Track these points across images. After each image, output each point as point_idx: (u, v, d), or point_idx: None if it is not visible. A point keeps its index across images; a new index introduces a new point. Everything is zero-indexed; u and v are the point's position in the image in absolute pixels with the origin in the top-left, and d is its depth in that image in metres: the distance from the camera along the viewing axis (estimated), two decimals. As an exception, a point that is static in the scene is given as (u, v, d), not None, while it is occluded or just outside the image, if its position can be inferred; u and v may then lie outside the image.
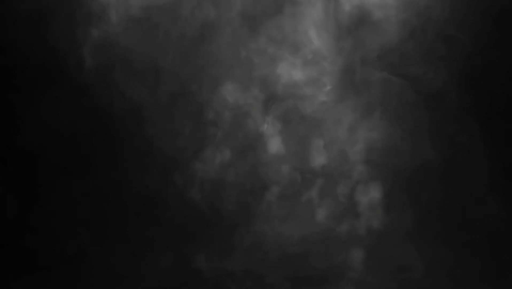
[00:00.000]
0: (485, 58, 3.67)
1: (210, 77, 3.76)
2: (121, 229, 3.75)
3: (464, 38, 3.66)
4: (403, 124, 3.68)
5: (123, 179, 3.76)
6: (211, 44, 3.76)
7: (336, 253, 3.66)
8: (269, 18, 3.74)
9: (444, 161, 3.66)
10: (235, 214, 3.72)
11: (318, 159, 3.72)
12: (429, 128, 3.68)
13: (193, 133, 3.76)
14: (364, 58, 3.70)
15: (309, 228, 3.68)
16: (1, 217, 3.75)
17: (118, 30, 3.77)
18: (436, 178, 3.66)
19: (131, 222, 3.75)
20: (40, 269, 3.72)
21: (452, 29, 3.67)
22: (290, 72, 3.73)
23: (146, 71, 3.78)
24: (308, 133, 3.73)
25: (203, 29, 3.76)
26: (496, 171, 3.63)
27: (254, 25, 3.75)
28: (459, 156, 3.66)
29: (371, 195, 3.65)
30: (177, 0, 3.75)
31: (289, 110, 3.74)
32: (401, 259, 3.65)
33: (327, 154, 3.71)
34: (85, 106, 3.79)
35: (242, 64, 3.75)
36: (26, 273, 3.72)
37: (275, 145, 3.74)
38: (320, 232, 3.67)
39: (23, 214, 3.76)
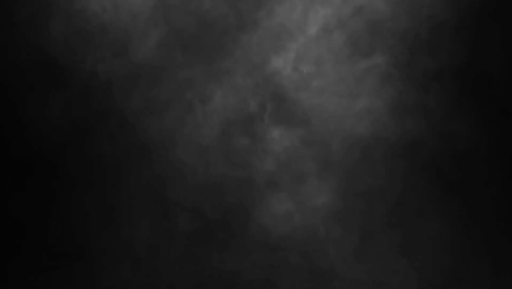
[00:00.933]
0: (474, 41, 3.64)
1: (207, 72, 3.75)
2: (120, 230, 3.76)
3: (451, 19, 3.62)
4: (404, 113, 3.66)
5: (124, 180, 3.76)
6: (206, 38, 3.74)
7: (340, 248, 3.65)
8: (264, 9, 3.72)
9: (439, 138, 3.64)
10: (236, 212, 3.72)
11: (318, 149, 3.72)
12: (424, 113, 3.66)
13: (193, 131, 3.75)
14: (360, 47, 3.67)
15: (312, 221, 3.68)
16: (4, 216, 3.79)
17: (118, 28, 3.76)
18: (434, 157, 3.64)
19: (130, 222, 3.76)
20: (42, 269, 3.76)
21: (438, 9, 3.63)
22: (286, 64, 3.71)
23: (145, 70, 3.78)
24: (305, 124, 3.71)
25: (199, 22, 3.75)
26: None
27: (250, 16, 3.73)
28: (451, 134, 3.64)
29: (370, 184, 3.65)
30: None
31: (288, 103, 3.72)
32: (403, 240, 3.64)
33: (327, 145, 3.69)
34: (85, 107, 3.80)
35: (238, 56, 3.73)
36: (27, 272, 3.76)
37: (275, 138, 3.73)
38: (324, 226, 3.67)
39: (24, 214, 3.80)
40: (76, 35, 3.80)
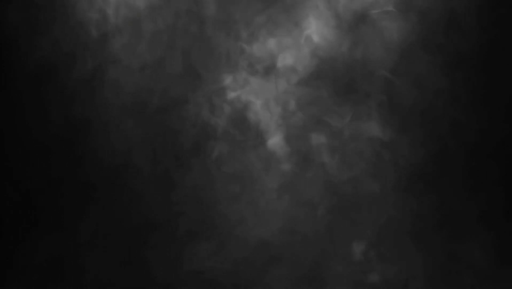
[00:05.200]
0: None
1: (208, 74, 3.76)
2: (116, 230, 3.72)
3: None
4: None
5: (122, 181, 3.74)
6: (209, 39, 3.76)
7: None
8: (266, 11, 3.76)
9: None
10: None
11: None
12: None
13: (193, 132, 3.75)
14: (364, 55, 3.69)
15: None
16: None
17: (117, 30, 3.79)
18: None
19: (127, 221, 3.73)
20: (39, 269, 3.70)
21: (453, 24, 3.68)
22: (289, 67, 3.73)
23: (144, 72, 3.79)
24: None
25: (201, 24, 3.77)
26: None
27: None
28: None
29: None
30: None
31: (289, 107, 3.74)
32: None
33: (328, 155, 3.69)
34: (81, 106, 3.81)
35: (241, 58, 3.75)
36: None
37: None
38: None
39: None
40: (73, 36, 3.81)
